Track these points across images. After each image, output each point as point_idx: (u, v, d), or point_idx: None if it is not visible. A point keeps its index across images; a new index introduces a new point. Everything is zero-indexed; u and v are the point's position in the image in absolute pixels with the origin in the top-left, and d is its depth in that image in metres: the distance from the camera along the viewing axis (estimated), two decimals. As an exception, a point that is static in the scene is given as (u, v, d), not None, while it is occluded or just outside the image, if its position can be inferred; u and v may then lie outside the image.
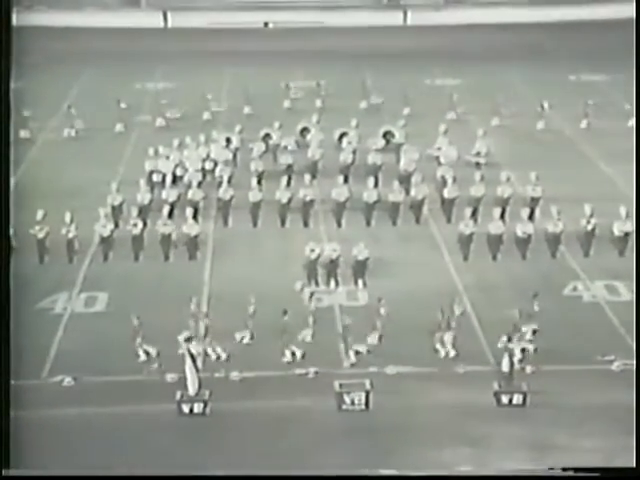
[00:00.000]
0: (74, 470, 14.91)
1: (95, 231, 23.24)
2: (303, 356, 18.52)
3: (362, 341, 18.87)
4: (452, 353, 18.71)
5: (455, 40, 43.63)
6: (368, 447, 16.08)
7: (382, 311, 18.91)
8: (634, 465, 14.60)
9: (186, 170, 26.62)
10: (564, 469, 14.34)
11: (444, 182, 25.62)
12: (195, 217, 23.85)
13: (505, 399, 17.25)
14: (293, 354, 18.56)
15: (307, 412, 16.96)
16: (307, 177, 25.80)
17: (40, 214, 22.73)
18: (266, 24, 46.61)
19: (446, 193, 25.18)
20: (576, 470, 14.25)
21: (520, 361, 17.66)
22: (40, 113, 31.88)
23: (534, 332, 18.72)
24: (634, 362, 18.00)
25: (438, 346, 18.75)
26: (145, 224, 23.45)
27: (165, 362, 18.04)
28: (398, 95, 34.09)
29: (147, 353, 18.45)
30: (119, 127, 32.47)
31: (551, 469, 14.63)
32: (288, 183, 25.47)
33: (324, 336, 19.19)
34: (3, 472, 14.27)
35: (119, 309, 20.44)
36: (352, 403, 17.14)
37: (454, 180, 25.36)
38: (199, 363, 17.57)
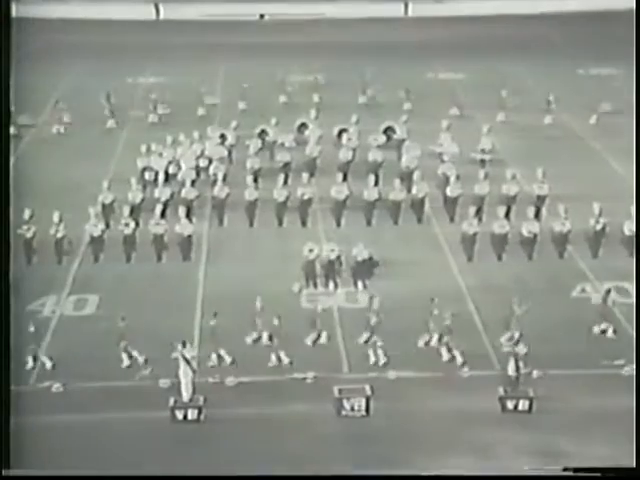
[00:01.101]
0: (71, 471, 14.76)
1: (85, 231, 22.93)
2: (291, 362, 18.21)
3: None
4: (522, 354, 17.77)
5: (458, 32, 43.65)
6: (368, 454, 15.85)
7: (435, 311, 18.54)
8: (634, 465, 14.49)
9: (179, 168, 26.39)
10: (564, 469, 14.28)
11: (447, 180, 25.29)
12: (189, 216, 23.58)
13: (510, 405, 16.99)
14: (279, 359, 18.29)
15: (305, 418, 16.71)
16: (305, 175, 25.53)
17: (27, 213, 22.44)
18: (262, 16, 46.48)
19: (449, 191, 24.91)
20: (576, 470, 14.19)
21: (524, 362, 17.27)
22: (28, 109, 31.49)
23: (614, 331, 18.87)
24: (634, 364, 17.76)
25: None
26: (137, 224, 23.13)
27: (158, 367, 17.71)
28: (399, 90, 33.78)
29: (130, 357, 18.17)
30: (110, 123, 32.19)
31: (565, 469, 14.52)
32: (285, 181, 25.20)
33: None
34: (3, 472, 14.19)
35: (110, 312, 20.04)
36: (352, 409, 16.88)
37: (457, 178, 25.11)
38: (194, 367, 17.21)
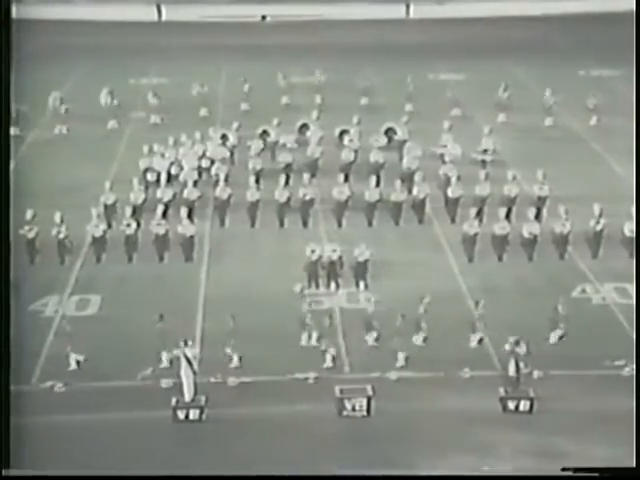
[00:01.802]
0: (71, 471, 14.71)
1: (87, 231, 22.87)
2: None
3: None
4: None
5: (459, 34, 43.57)
6: (369, 454, 15.79)
7: (480, 312, 18.66)
8: (634, 465, 14.42)
9: (181, 168, 26.40)
10: (564, 469, 14.15)
11: (448, 181, 25.24)
12: (190, 217, 23.48)
13: (512, 405, 16.95)
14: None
15: (307, 418, 16.64)
16: (306, 176, 25.49)
17: (30, 214, 22.39)
18: (264, 17, 46.38)
19: (450, 192, 24.87)
20: (576, 470, 14.07)
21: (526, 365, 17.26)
22: (30, 109, 31.48)
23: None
24: (634, 364, 17.72)
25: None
26: (139, 224, 23.08)
27: (160, 367, 17.69)
28: (400, 91, 33.73)
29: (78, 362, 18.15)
30: (112, 124, 32.11)
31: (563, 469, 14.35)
32: (287, 182, 25.15)
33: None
34: (3, 472, 14.16)
35: (112, 312, 20.07)
36: (353, 409, 16.80)
37: (458, 179, 25.07)
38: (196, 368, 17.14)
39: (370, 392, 16.85)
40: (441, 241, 23.85)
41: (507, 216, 23.17)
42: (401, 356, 18.15)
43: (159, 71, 38.45)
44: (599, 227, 22.57)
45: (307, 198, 24.70)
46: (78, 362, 18.05)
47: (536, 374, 17.45)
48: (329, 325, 18.83)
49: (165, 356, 17.97)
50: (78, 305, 20.68)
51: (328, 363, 18.16)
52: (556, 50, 41.00)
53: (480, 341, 18.64)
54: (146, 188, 25.19)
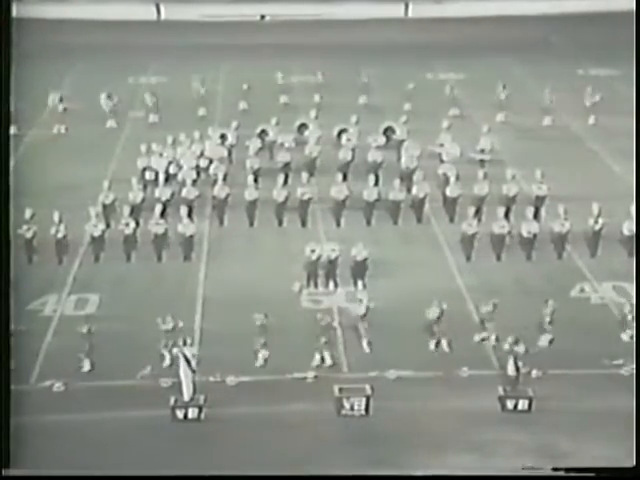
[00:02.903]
0: (71, 471, 14.74)
1: (86, 231, 22.88)
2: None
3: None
4: None
5: (458, 33, 43.49)
6: (368, 454, 15.79)
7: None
8: (634, 464, 14.51)
9: (180, 167, 26.36)
10: (564, 469, 14.26)
11: (446, 180, 25.26)
12: (190, 216, 23.48)
13: (510, 404, 16.96)
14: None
15: (305, 417, 16.65)
16: (305, 175, 25.47)
17: (28, 213, 22.37)
18: (263, 17, 46.31)
19: (449, 191, 24.88)
20: (575, 470, 14.17)
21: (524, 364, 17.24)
22: (29, 108, 31.43)
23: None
24: (634, 363, 17.72)
25: None
26: (137, 223, 23.09)
27: (158, 366, 17.66)
28: (399, 90, 33.75)
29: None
30: (110, 123, 32.12)
31: (554, 469, 14.49)
32: (285, 181, 25.14)
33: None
34: (3, 472, 14.18)
35: (110, 312, 20.05)
36: (352, 408, 16.82)
37: (457, 178, 25.07)
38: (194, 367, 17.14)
39: (369, 391, 16.85)
40: (440, 240, 23.85)
41: (506, 215, 23.18)
42: (317, 357, 18.08)
43: (158, 70, 38.45)
44: (598, 226, 22.59)
45: (305, 197, 24.68)
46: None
47: (535, 373, 17.44)
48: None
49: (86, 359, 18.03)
50: (76, 304, 20.67)
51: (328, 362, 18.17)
52: (554, 50, 41.04)
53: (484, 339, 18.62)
54: (144, 187, 25.18)
